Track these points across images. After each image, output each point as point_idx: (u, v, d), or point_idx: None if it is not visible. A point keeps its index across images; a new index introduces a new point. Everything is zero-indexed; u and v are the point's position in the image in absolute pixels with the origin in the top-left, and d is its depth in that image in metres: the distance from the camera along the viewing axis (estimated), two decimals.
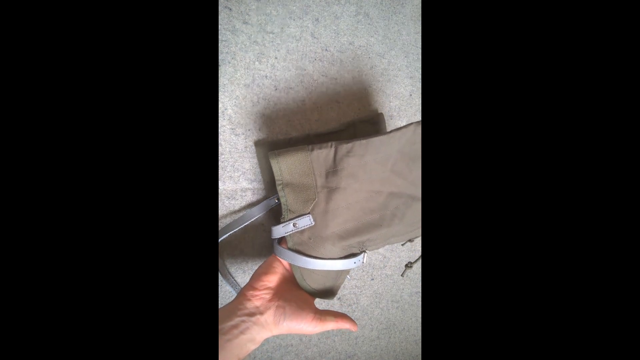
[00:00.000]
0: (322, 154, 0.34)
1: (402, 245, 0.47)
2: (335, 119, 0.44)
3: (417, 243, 0.53)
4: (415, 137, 0.37)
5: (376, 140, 0.35)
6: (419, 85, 0.49)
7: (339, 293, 0.49)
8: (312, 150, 0.34)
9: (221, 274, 0.41)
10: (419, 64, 0.49)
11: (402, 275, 0.47)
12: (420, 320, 0.56)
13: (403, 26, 0.47)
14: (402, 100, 0.48)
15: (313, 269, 0.35)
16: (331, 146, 0.34)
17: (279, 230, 0.35)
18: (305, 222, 0.35)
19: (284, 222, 0.35)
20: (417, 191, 0.38)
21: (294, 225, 0.35)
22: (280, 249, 0.36)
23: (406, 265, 0.46)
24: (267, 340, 0.46)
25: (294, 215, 0.35)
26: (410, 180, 0.38)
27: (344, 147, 0.34)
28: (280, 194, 0.35)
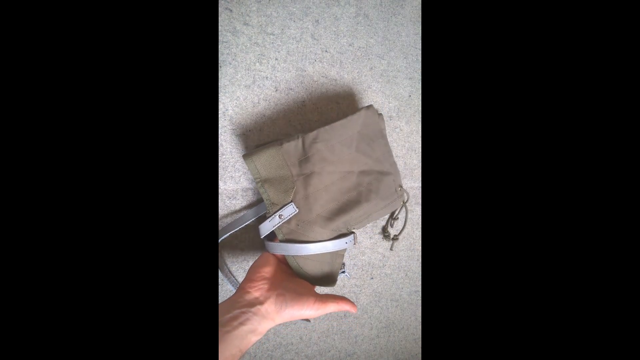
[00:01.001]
0: (292, 146, 0.37)
1: (390, 227, 0.49)
2: (335, 120, 0.44)
3: (417, 242, 0.53)
4: (368, 120, 0.40)
5: (337, 125, 0.38)
6: (418, 86, 0.49)
7: (339, 292, 0.49)
8: (282, 144, 0.37)
9: (222, 273, 0.41)
10: (418, 65, 0.49)
11: (390, 248, 0.49)
12: (419, 319, 0.57)
13: (402, 27, 0.47)
14: (402, 101, 0.49)
15: (307, 255, 0.37)
16: (298, 137, 0.37)
17: (266, 226, 0.37)
18: (290, 210, 0.36)
19: (270, 216, 0.36)
20: (383, 167, 0.42)
21: (279, 217, 0.36)
22: (271, 244, 0.37)
23: (392, 238, 0.49)
24: (267, 339, 0.46)
25: (278, 207, 0.36)
26: (374, 158, 0.41)
27: (310, 136, 0.37)
28: (261, 190, 0.37)
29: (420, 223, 0.52)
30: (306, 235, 0.37)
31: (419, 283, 0.55)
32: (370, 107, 0.41)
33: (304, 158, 0.37)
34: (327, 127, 0.38)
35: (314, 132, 0.37)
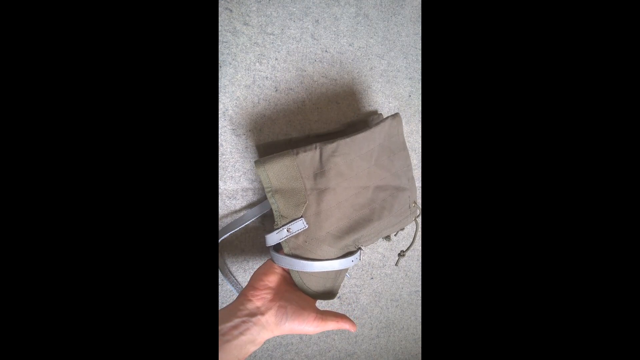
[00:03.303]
0: (308, 157, 0.34)
1: (394, 235, 0.48)
2: (335, 120, 0.44)
3: (417, 242, 0.53)
4: (392, 130, 0.38)
5: (359, 137, 0.36)
6: (418, 86, 0.49)
7: (339, 292, 0.49)
8: (298, 154, 0.34)
9: (222, 273, 0.41)
10: (418, 65, 0.49)
11: (396, 264, 0.48)
12: (419, 318, 0.57)
13: (402, 27, 0.47)
14: (401, 101, 0.49)
15: (312, 272, 0.35)
16: (316, 148, 0.35)
17: (273, 238, 0.35)
18: (299, 226, 0.35)
19: (278, 228, 0.35)
20: (401, 182, 0.39)
21: (287, 231, 0.34)
22: (277, 255, 0.36)
23: (399, 254, 0.47)
24: (267, 339, 0.46)
25: (287, 221, 0.35)
26: (393, 172, 0.39)
27: (329, 148, 0.35)
28: (271, 200, 0.34)
29: (420, 223, 0.52)
30: (313, 252, 0.35)
31: (419, 283, 0.55)
32: (396, 116, 0.39)
33: (320, 172, 0.35)
34: (347, 139, 0.35)
35: (334, 144, 0.35)
